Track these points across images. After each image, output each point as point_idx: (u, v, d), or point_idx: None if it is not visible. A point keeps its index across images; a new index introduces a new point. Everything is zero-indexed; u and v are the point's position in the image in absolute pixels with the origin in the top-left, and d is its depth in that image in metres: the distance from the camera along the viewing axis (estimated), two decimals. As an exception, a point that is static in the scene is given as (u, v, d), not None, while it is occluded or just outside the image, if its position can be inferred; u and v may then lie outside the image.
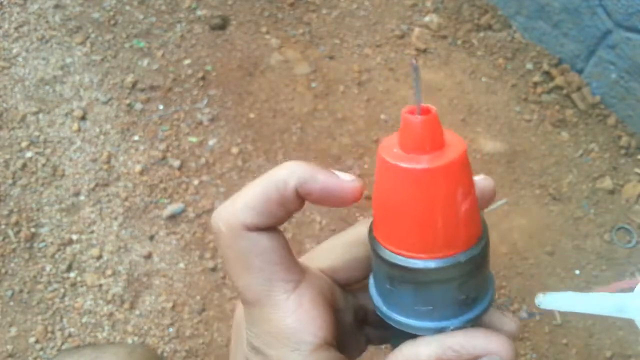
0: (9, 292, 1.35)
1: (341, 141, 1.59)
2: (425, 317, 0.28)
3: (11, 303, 1.34)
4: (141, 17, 1.87)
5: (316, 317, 0.28)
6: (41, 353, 1.27)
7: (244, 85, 1.72)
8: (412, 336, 0.28)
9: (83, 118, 1.63)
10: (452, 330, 0.27)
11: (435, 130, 0.26)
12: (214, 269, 1.38)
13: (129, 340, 1.29)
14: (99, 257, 1.40)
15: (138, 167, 1.54)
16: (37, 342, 1.29)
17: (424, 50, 1.83)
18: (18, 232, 1.43)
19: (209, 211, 1.47)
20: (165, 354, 1.27)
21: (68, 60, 1.75)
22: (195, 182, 1.52)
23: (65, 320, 1.32)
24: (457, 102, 1.71)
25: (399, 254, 0.27)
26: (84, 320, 1.32)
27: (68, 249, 1.41)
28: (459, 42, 1.86)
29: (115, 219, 1.46)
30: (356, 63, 1.79)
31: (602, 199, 1.52)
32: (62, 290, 1.36)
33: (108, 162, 1.55)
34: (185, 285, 1.37)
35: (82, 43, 1.79)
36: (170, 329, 1.31)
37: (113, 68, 1.74)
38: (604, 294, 0.24)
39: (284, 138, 1.59)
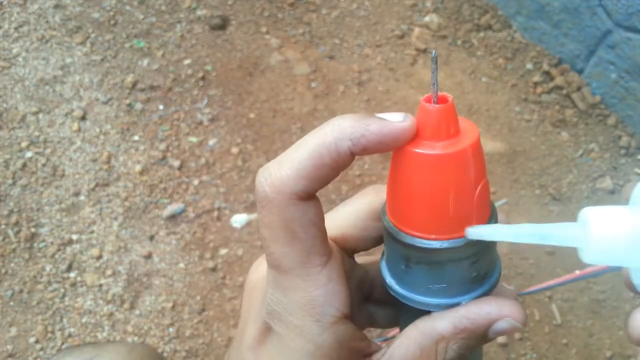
0: (9, 292, 1.35)
1: (341, 141, 1.58)
2: (439, 294, 0.29)
3: (11, 303, 1.34)
4: (141, 17, 1.87)
5: (341, 292, 0.29)
6: (41, 353, 1.27)
7: (244, 85, 1.72)
8: (424, 313, 0.29)
9: (83, 118, 1.63)
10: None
11: (451, 118, 0.27)
12: (214, 269, 1.38)
13: (129, 340, 1.29)
14: (99, 257, 1.40)
15: (138, 167, 1.54)
16: (37, 342, 1.29)
17: (424, 50, 1.83)
18: (18, 232, 1.43)
19: (209, 211, 1.47)
20: (165, 354, 1.27)
21: (68, 60, 1.75)
22: (195, 182, 1.52)
23: (65, 320, 1.32)
24: (457, 102, 1.71)
25: (415, 236, 0.28)
26: (84, 320, 1.32)
27: (68, 249, 1.41)
28: (459, 42, 1.86)
29: (115, 219, 1.46)
30: (356, 63, 1.79)
31: (602, 199, 1.52)
32: (62, 290, 1.36)
33: (108, 162, 1.55)
34: (185, 285, 1.37)
35: (82, 43, 1.80)
36: (170, 329, 1.31)
37: (113, 68, 1.74)
38: (528, 224, 0.25)
39: (284, 138, 1.59)
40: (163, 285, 1.37)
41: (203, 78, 1.73)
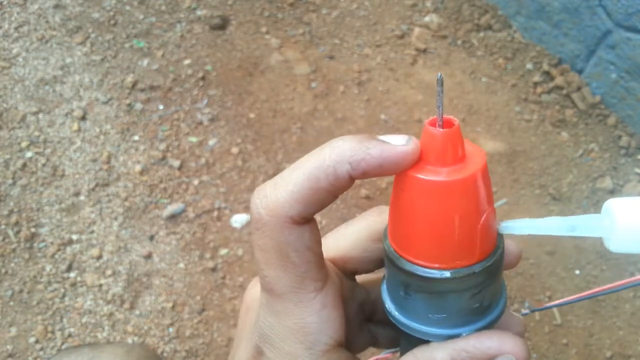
0: (9, 292, 1.35)
1: (341, 141, 1.58)
2: (439, 324, 0.28)
3: (11, 303, 1.34)
4: (141, 17, 1.87)
5: (335, 319, 0.28)
6: (41, 353, 1.27)
7: (244, 85, 1.72)
8: (423, 341, 0.28)
9: (83, 118, 1.63)
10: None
11: (456, 143, 0.26)
12: (214, 269, 1.38)
13: (129, 340, 1.29)
14: (99, 257, 1.40)
15: (138, 167, 1.54)
16: (37, 342, 1.28)
17: (424, 50, 1.83)
18: (18, 232, 1.43)
19: (209, 211, 1.47)
20: (165, 354, 1.27)
21: (68, 60, 1.75)
22: (195, 182, 1.52)
23: (65, 320, 1.32)
24: (457, 102, 1.71)
25: (415, 264, 0.27)
26: (84, 320, 1.32)
27: (68, 249, 1.41)
28: (459, 42, 1.86)
29: (115, 219, 1.46)
30: (356, 63, 1.79)
31: (602, 199, 1.52)
32: (62, 290, 1.36)
33: (108, 162, 1.55)
34: (185, 285, 1.36)
35: (82, 43, 1.80)
36: (170, 329, 1.31)
37: (113, 68, 1.74)
38: (555, 217, 0.25)
39: (284, 138, 1.59)
40: (163, 285, 1.37)
41: (203, 78, 1.73)
